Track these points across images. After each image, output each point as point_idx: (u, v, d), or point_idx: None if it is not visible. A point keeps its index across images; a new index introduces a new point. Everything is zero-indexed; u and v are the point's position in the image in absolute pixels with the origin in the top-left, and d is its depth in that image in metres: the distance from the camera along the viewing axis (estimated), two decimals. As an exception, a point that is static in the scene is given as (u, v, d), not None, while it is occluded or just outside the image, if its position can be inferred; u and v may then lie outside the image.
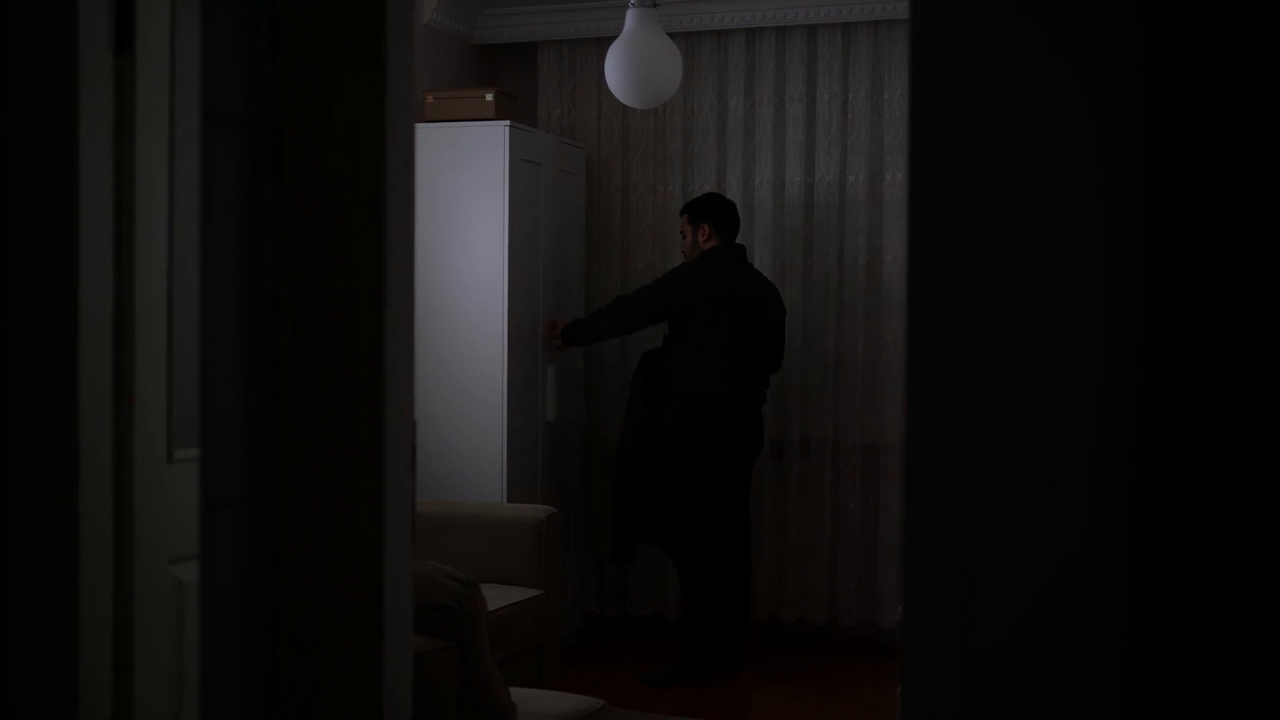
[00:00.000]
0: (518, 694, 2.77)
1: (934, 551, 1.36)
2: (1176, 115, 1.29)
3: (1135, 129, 1.30)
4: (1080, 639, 1.32)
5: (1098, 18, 1.31)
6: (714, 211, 4.99)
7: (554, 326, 5.16)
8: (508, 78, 5.75)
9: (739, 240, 5.11)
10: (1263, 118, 1.26)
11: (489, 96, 4.95)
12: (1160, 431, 1.30)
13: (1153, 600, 1.31)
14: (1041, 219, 1.33)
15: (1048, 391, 1.33)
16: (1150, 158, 1.30)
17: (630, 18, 4.58)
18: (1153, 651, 1.31)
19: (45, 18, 1.71)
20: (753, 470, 5.08)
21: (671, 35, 5.17)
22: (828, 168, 5.34)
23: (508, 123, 4.91)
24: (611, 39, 5.01)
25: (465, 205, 4.94)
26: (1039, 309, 1.33)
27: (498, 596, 4.13)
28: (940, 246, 1.36)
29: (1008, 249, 1.34)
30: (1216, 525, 1.29)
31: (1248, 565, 1.28)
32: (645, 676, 4.87)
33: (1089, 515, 1.32)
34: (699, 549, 4.88)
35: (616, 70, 4.56)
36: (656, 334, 5.22)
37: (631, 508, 4.93)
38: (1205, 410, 1.29)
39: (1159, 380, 1.30)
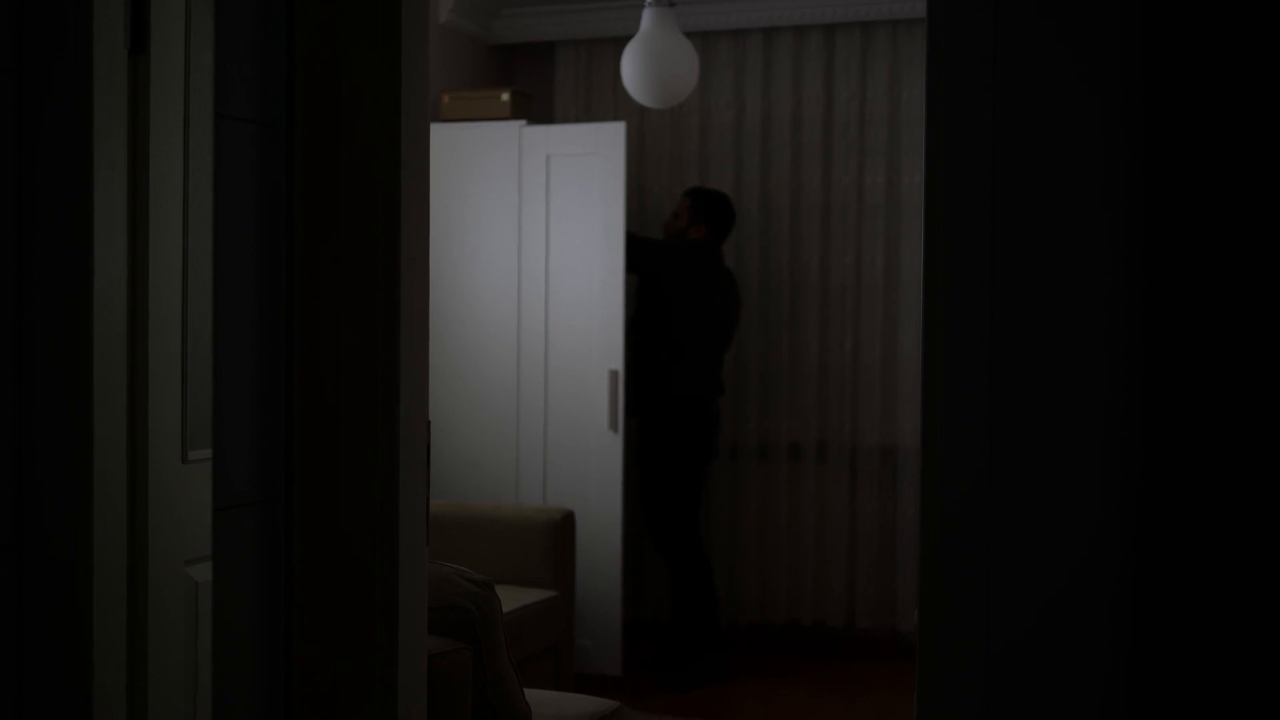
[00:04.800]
0: (533, 695, 2.76)
1: (950, 554, 1.35)
2: (1187, 121, 1.28)
3: (1151, 135, 1.29)
4: (1093, 638, 1.32)
5: (1111, 23, 1.30)
6: (719, 218, 5.02)
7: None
8: (524, 77, 5.74)
9: (735, 244, 5.15)
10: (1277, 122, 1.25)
11: (505, 96, 4.95)
12: (1169, 436, 1.29)
13: (1159, 600, 1.30)
14: (1056, 224, 1.32)
15: (1061, 392, 1.32)
16: (1163, 163, 1.29)
17: (647, 17, 4.57)
18: (1160, 650, 1.30)
19: (61, 17, 1.71)
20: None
21: (688, 34, 5.15)
22: (845, 169, 5.31)
23: (523, 122, 4.90)
24: (628, 38, 4.99)
25: (481, 204, 4.93)
26: (1053, 313, 1.33)
27: (513, 597, 4.12)
28: (957, 250, 1.35)
29: (1023, 254, 1.33)
30: (1222, 528, 1.28)
31: (1253, 566, 1.27)
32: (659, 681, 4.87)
33: (1098, 516, 1.31)
34: (684, 551, 4.90)
35: (633, 70, 4.55)
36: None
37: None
38: (1214, 415, 1.28)
39: (1170, 385, 1.29)
